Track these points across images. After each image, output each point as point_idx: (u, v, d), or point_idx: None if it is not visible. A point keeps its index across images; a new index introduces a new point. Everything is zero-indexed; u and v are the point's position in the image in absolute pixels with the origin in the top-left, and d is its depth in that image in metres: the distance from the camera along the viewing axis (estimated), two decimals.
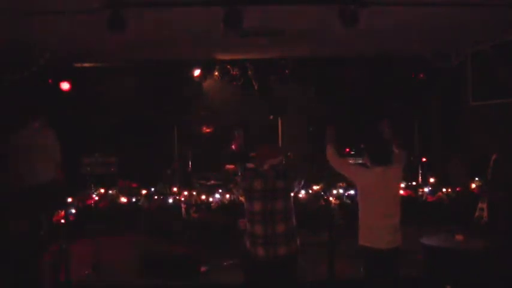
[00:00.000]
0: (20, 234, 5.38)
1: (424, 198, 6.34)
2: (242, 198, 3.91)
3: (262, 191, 3.69)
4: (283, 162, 4.05)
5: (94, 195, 6.24)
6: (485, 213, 5.69)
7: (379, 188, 3.96)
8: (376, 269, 4.00)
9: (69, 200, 6.08)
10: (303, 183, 4.04)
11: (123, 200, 6.27)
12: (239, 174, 5.91)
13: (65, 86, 7.87)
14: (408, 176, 6.39)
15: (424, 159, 6.99)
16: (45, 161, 5.86)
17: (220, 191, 6.33)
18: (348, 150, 7.92)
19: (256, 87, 8.10)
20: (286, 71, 8.07)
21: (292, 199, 3.81)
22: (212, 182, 6.74)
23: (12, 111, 6.55)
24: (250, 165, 4.48)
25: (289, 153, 6.71)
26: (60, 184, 6.21)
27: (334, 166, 4.23)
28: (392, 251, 3.94)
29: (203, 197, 6.26)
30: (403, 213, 4.12)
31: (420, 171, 6.73)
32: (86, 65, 7.89)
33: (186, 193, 6.26)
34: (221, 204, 6.20)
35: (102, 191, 6.38)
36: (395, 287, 4.01)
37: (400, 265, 4.07)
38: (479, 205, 5.70)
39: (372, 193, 3.99)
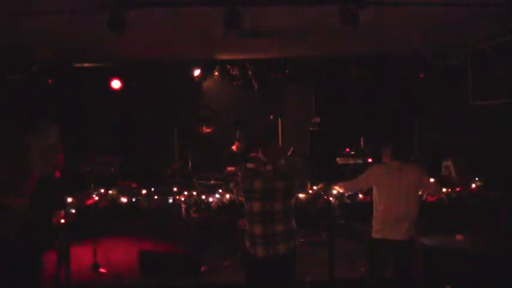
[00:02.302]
0: (20, 234, 5.39)
1: (424, 198, 6.33)
2: (242, 199, 3.90)
3: (262, 191, 3.68)
4: (283, 161, 4.06)
5: (94, 195, 6.24)
6: (452, 172, 5.71)
7: (395, 181, 4.18)
8: (382, 259, 4.12)
9: (69, 200, 6.08)
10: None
11: (123, 200, 6.27)
12: (239, 174, 5.90)
13: None
14: None
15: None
16: (45, 158, 6.03)
17: (220, 191, 6.33)
18: (347, 150, 7.91)
19: (256, 87, 8.10)
20: (286, 71, 8.07)
21: (293, 200, 3.80)
22: (212, 182, 6.73)
23: (15, 111, 6.59)
24: (250, 165, 4.47)
25: (290, 151, 6.71)
26: (57, 180, 6.34)
27: (354, 192, 4.84)
28: (403, 242, 4.13)
29: (203, 197, 6.25)
30: None
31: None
32: (86, 65, 7.88)
33: (186, 193, 6.25)
34: (221, 204, 6.19)
35: (102, 191, 6.38)
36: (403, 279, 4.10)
37: (410, 259, 4.22)
38: (444, 163, 5.75)
39: (388, 186, 4.19)
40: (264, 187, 3.68)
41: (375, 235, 4.26)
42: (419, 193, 4.41)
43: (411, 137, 8.02)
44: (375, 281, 4.27)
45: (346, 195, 6.32)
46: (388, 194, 4.20)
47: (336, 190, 4.96)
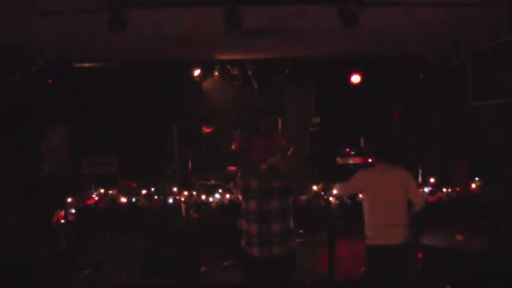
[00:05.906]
0: (20, 234, 5.40)
1: (424, 198, 6.33)
2: (240, 197, 3.90)
3: (258, 190, 3.68)
4: (282, 160, 4.00)
5: (94, 195, 6.25)
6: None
7: (382, 184, 4.06)
8: (380, 266, 4.07)
9: (69, 200, 6.09)
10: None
11: (123, 200, 6.28)
12: (238, 174, 5.90)
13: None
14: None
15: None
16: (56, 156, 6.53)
17: (220, 191, 6.34)
18: (348, 150, 7.91)
19: (256, 87, 8.10)
20: (286, 71, 8.08)
21: (290, 199, 3.78)
22: (212, 182, 6.74)
23: (15, 111, 6.60)
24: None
25: (290, 151, 6.72)
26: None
27: (346, 193, 4.96)
28: (397, 247, 4.00)
29: (203, 197, 6.26)
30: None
31: (420, 171, 6.73)
32: (86, 65, 7.88)
33: (186, 193, 6.26)
34: (221, 204, 6.20)
35: (102, 191, 6.38)
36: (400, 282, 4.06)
37: (408, 261, 4.14)
38: None
39: (376, 191, 4.09)
40: (260, 186, 3.69)
41: (369, 242, 4.13)
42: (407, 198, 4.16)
43: (396, 137, 7.99)
44: (374, 282, 4.23)
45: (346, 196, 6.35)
46: (377, 199, 4.09)
47: (335, 191, 4.94)
